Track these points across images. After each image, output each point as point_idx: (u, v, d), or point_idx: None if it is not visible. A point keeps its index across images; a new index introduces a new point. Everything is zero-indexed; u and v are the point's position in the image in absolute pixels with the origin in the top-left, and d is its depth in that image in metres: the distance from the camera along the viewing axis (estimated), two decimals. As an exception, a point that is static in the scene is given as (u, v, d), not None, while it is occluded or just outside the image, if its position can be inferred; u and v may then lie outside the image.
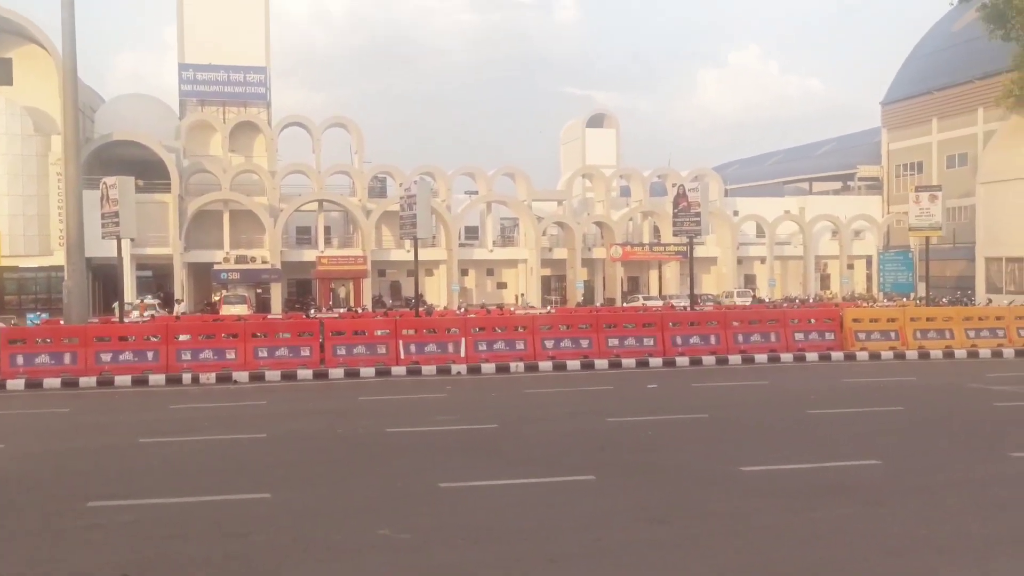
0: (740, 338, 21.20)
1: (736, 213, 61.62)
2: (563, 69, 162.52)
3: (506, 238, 62.31)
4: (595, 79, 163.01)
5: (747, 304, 49.17)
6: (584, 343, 20.33)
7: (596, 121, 67.03)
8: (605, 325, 21.10)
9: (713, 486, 8.62)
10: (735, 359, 20.45)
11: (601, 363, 19.68)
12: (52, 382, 17.64)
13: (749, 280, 61.94)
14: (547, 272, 59.29)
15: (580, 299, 55.72)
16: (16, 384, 17.52)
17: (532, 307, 49.67)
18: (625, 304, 52.00)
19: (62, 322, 24.48)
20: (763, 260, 61.18)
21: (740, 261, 60.83)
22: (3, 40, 49.06)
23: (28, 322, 34.01)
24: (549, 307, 50.46)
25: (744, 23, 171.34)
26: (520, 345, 20.03)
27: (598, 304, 54.76)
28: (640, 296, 54.63)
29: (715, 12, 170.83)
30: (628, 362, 19.82)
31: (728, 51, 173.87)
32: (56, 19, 22.50)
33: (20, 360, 18.15)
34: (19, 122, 47.64)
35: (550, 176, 70.61)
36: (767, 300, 53.71)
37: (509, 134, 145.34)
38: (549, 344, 20.14)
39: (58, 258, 43.71)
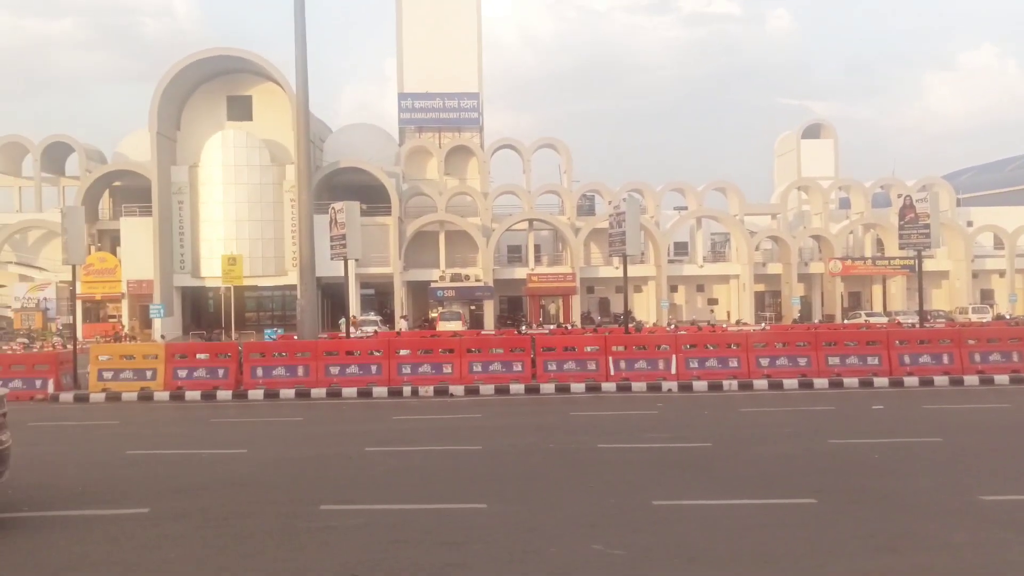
0: (977, 357, 19.61)
1: (970, 224, 57.28)
2: (776, 80, 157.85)
3: (717, 253, 61.03)
4: (810, 89, 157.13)
5: (985, 320, 45.52)
6: (802, 361, 19.50)
7: (812, 132, 64.52)
8: (825, 343, 20.16)
9: (948, 515, 7.98)
10: (971, 380, 18.92)
11: (820, 382, 18.82)
12: (287, 393, 19.00)
13: (986, 295, 57.30)
14: (760, 288, 57.46)
15: (796, 315, 53.57)
16: (256, 394, 19.02)
17: (746, 323, 48.25)
18: (846, 321, 49.46)
19: (295, 337, 26.31)
20: (1002, 274, 56.43)
21: (976, 275, 56.42)
22: (245, 79, 53.73)
23: (266, 337, 36.84)
24: (764, 324, 48.86)
25: (974, 21, 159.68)
26: (733, 363, 19.50)
27: (816, 321, 52.43)
28: (862, 312, 51.86)
29: (939, 12, 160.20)
30: (850, 381, 18.84)
31: (957, 52, 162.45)
32: (290, 59, 24.35)
33: (260, 372, 19.68)
34: (258, 154, 51.97)
35: (763, 190, 68.70)
36: (1008, 316, 49.44)
37: (719, 148, 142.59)
38: (764, 362, 19.48)
39: (291, 278, 47.29)
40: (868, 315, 50.12)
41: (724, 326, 44.60)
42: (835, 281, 55.41)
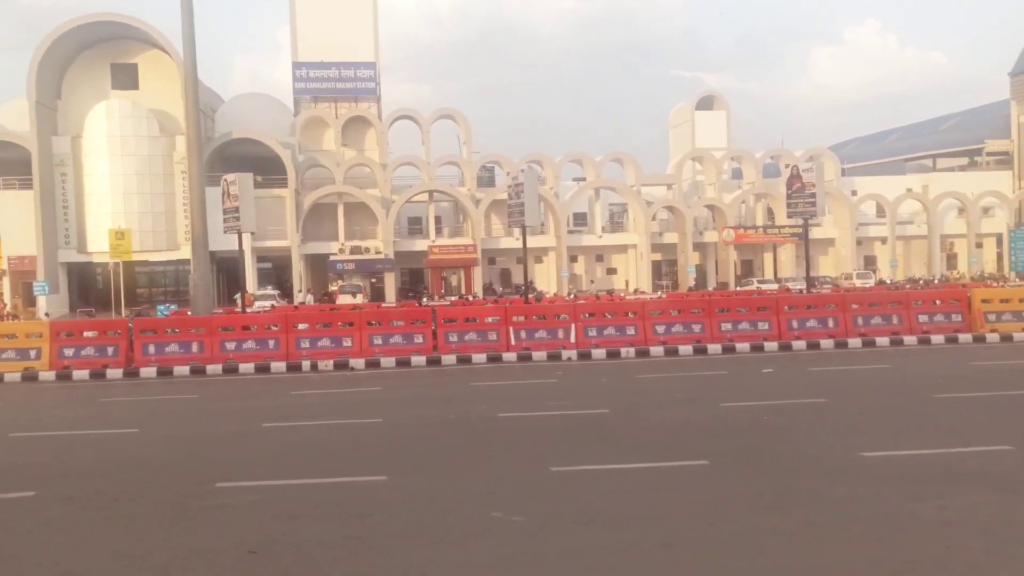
0: (860, 321, 20.50)
1: (854, 193, 59.58)
2: (671, 52, 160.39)
3: (615, 224, 61.96)
4: (704, 61, 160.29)
5: (868, 286, 47.60)
6: (696, 328, 20.03)
7: (705, 104, 65.83)
8: (718, 309, 20.73)
9: (832, 472, 8.36)
10: (855, 342, 19.78)
11: (714, 348, 19.37)
12: (181, 370, 18.50)
13: (869, 261, 59.85)
14: (657, 257, 58.65)
15: (692, 284, 54.95)
16: (148, 372, 18.46)
17: (643, 292, 49.23)
18: (739, 288, 50.99)
19: (189, 313, 25.60)
20: (884, 241, 59.01)
21: (860, 242, 58.84)
22: (129, 46, 51.57)
23: (158, 314, 35.73)
24: (660, 292, 49.94)
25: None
26: (631, 331, 19.88)
27: (710, 288, 53.88)
28: (754, 280, 53.55)
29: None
30: (742, 346, 19.44)
31: (844, 27, 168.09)
32: (178, 25, 23.47)
33: (152, 349, 19.10)
34: (146, 124, 50.07)
35: (659, 161, 69.91)
36: (889, 281, 51.83)
37: (616, 120, 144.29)
38: (660, 329, 19.92)
39: (184, 252, 45.91)
40: (760, 282, 51.74)
41: (622, 295, 45.39)
42: (729, 249, 56.97)
